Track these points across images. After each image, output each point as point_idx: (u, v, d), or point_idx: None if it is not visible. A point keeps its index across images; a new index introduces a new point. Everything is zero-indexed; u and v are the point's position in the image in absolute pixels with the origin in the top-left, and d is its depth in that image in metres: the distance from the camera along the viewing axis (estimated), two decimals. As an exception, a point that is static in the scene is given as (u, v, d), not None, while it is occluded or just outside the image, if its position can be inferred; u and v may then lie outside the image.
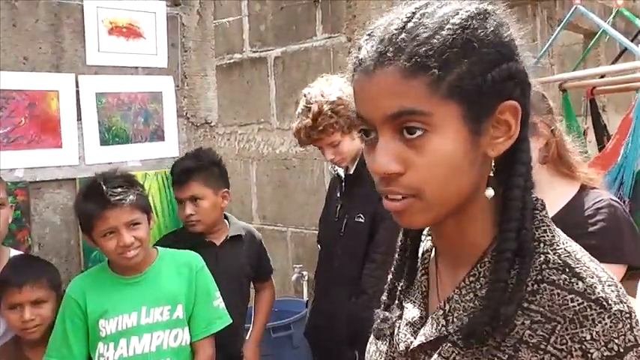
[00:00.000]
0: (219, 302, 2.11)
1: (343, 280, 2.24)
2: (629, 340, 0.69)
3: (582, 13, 3.37)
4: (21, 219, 2.13)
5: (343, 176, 2.35)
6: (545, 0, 4.27)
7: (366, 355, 0.95)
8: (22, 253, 2.04)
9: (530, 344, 0.71)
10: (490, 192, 0.76)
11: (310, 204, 3.76)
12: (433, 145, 0.71)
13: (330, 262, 2.32)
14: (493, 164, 0.76)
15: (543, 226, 0.79)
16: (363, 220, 2.21)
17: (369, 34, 0.75)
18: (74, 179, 2.25)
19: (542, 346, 0.70)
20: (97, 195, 1.85)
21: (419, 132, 0.70)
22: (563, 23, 3.61)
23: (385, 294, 0.95)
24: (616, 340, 0.69)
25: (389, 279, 0.96)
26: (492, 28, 0.72)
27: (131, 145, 2.42)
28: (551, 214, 1.48)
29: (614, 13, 3.39)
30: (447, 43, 0.69)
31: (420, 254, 0.92)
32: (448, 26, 0.70)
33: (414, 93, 0.69)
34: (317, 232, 3.70)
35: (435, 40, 0.69)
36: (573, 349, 0.69)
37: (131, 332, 1.89)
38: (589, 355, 0.68)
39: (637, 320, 0.71)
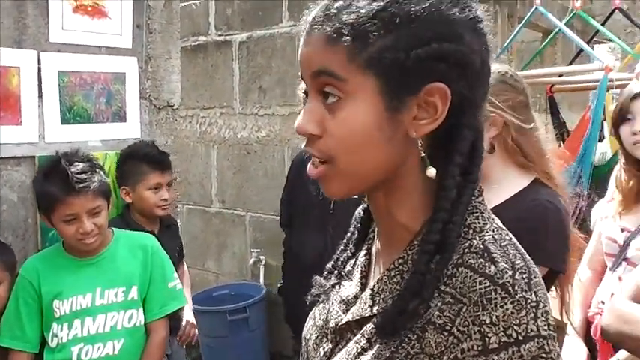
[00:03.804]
0: (175, 283, 2.14)
1: None
2: (531, 330, 0.66)
3: (542, 13, 3.47)
4: (-23, 196, 2.11)
5: None
6: (507, -1, 4.36)
7: (304, 329, 0.94)
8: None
9: (437, 325, 0.69)
10: (432, 171, 0.74)
11: (270, 189, 3.80)
12: (346, 113, 0.72)
13: (319, 242, 2.33)
14: (420, 145, 0.74)
15: (476, 212, 0.77)
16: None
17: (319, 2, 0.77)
18: (33, 157, 2.24)
19: (448, 327, 0.69)
20: (60, 179, 1.84)
21: (335, 97, 0.72)
22: (523, 22, 3.70)
23: (331, 262, 0.96)
24: (516, 327, 0.66)
25: (340, 249, 0.97)
26: (431, 6, 0.70)
27: (92, 124, 2.40)
28: (494, 204, 1.52)
29: (570, 15, 3.49)
30: (371, 15, 0.70)
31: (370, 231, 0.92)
32: None
33: (334, 57, 0.71)
34: (276, 216, 3.75)
35: (363, 11, 0.70)
36: (473, 331, 0.67)
37: (85, 313, 1.90)
38: (487, 339, 0.66)
39: (546, 311, 0.68)
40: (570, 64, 3.86)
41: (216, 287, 3.97)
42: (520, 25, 3.73)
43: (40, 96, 2.24)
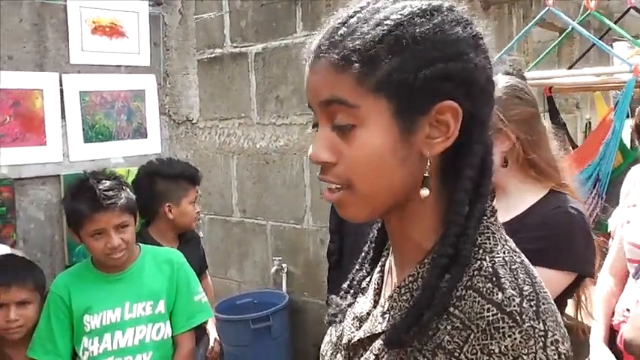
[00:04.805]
0: (200, 297, 2.19)
1: None
2: (540, 359, 0.66)
3: (554, 13, 3.47)
4: (6, 215, 2.17)
5: None
6: (521, -1, 4.36)
7: (322, 345, 0.95)
8: (8, 248, 2.08)
9: (447, 350, 0.70)
10: (425, 192, 0.74)
11: (289, 198, 3.83)
12: (361, 138, 0.72)
13: None
14: (428, 164, 0.74)
15: (488, 232, 0.77)
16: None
17: (323, 27, 0.76)
18: (58, 176, 2.30)
19: (456, 354, 0.69)
20: (89, 196, 1.90)
21: (348, 124, 0.72)
22: (533, 22, 3.69)
23: (347, 283, 0.95)
24: (525, 357, 0.66)
25: (354, 269, 0.96)
26: (434, 26, 0.71)
27: (114, 142, 2.47)
28: (513, 215, 1.53)
29: (584, 15, 3.49)
30: (377, 39, 0.70)
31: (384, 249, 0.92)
32: (386, 22, 0.71)
33: (343, 85, 0.71)
34: (297, 225, 3.78)
35: (368, 36, 0.70)
36: None
37: (115, 327, 1.96)
38: None
39: (555, 340, 0.68)
40: (579, 59, 3.86)
41: (239, 296, 3.99)
42: (530, 25, 3.72)
43: (63, 116, 2.31)
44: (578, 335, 1.79)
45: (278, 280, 3.92)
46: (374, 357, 0.77)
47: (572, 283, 1.51)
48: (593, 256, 1.53)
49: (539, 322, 0.68)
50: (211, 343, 2.62)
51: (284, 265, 3.87)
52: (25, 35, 2.22)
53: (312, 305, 3.75)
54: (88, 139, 2.38)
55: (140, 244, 2.15)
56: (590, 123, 4.29)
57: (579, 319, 1.67)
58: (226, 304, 3.77)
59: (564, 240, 1.48)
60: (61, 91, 2.30)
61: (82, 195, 1.92)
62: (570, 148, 3.06)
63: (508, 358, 0.66)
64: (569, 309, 1.64)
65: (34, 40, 2.25)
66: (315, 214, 3.70)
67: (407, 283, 0.78)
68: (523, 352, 0.66)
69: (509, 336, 0.67)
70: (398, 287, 0.79)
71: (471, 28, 0.74)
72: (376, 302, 0.86)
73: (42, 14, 2.26)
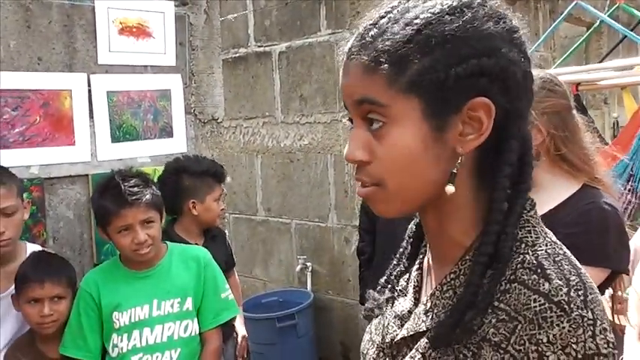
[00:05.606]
0: (227, 294, 2.20)
1: None
2: (590, 348, 0.66)
3: (583, 7, 3.43)
4: (36, 214, 2.21)
5: None
6: (546, -5, 4.31)
7: (362, 343, 0.94)
8: (39, 246, 2.12)
9: (493, 342, 0.70)
10: (450, 188, 0.74)
11: (314, 196, 3.84)
12: (392, 138, 0.73)
13: None
14: (459, 161, 0.75)
15: (528, 226, 0.77)
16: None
17: (356, 29, 0.77)
18: (87, 175, 2.33)
19: (503, 345, 0.69)
20: (115, 192, 1.94)
21: (380, 123, 0.73)
22: (561, 17, 3.67)
23: (385, 277, 0.95)
24: (574, 346, 0.66)
25: (392, 263, 0.96)
26: (465, 23, 0.71)
27: (141, 141, 2.49)
28: (545, 210, 1.51)
29: (612, 8, 3.44)
30: (406, 39, 0.70)
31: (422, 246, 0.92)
32: (415, 21, 0.71)
33: (374, 85, 0.72)
34: (321, 223, 3.80)
35: (398, 36, 0.71)
36: (530, 350, 0.67)
37: (144, 324, 1.98)
38: (545, 359, 0.66)
39: (603, 329, 0.68)
40: (608, 54, 3.80)
41: (264, 294, 4.02)
42: (558, 20, 3.70)
43: (91, 116, 2.34)
44: (615, 334, 1.77)
45: (303, 278, 3.94)
46: (420, 355, 0.77)
47: (605, 279, 1.50)
48: (628, 252, 1.52)
49: (587, 311, 0.67)
50: (239, 339, 2.63)
51: (309, 264, 3.89)
52: (55, 37, 2.26)
53: (336, 303, 3.76)
54: (115, 139, 2.40)
55: (167, 242, 2.17)
56: (617, 122, 4.22)
57: (615, 320, 1.65)
58: (252, 303, 3.80)
59: (598, 236, 1.47)
60: (89, 91, 2.33)
61: (109, 192, 1.96)
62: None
63: (556, 347, 0.66)
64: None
65: (63, 42, 2.28)
66: (340, 212, 3.71)
67: (448, 280, 0.78)
68: (572, 340, 0.66)
69: (558, 325, 0.66)
70: (439, 285, 0.79)
71: (504, 22, 0.74)
72: (417, 300, 0.86)
73: (71, 16, 2.29)
